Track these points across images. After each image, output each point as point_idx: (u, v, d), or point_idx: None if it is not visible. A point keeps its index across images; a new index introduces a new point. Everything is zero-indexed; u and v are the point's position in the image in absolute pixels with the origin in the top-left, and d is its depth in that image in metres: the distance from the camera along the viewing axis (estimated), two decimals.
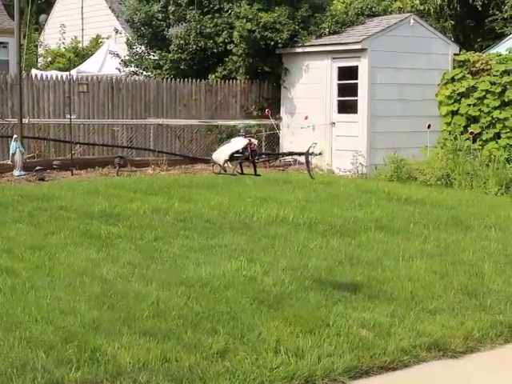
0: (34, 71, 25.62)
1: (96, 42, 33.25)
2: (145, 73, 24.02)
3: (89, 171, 18.92)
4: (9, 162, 18.08)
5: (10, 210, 12.35)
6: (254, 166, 7.80)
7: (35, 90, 19.94)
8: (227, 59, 22.22)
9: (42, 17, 37.69)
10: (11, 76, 19.94)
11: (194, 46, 22.15)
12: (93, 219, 11.56)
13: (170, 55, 22.71)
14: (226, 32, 21.85)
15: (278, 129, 22.15)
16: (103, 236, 10.40)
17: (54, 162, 18.77)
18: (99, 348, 5.94)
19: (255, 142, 7.74)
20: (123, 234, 10.53)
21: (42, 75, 21.10)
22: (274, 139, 22.32)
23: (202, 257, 9.30)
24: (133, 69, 24.24)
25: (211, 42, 22.03)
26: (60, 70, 28.28)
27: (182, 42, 22.25)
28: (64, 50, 33.99)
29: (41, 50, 36.70)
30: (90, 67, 27.01)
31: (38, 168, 17.61)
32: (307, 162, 7.65)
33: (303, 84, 21.66)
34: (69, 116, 19.30)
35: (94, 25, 33.72)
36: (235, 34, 21.28)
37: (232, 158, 7.59)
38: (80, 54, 32.62)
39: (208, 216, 12.02)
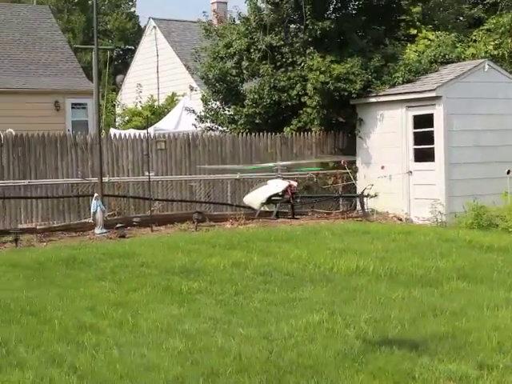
0: (112, 130, 26.23)
1: (172, 100, 33.87)
2: (220, 128, 24.33)
3: (168, 227, 19.13)
4: (90, 221, 18.41)
5: (93, 267, 12.56)
6: (293, 208, 7.76)
7: (114, 149, 20.36)
8: (301, 111, 22.37)
9: (119, 77, 38.66)
10: (91, 136, 20.43)
11: (268, 100, 22.38)
12: (173, 275, 11.66)
13: (244, 110, 22.98)
14: (299, 85, 22.05)
15: (355, 179, 22.08)
16: (184, 291, 10.47)
17: (134, 219, 19.05)
18: None
19: (295, 184, 7.70)
20: (204, 289, 10.58)
21: (120, 134, 21.55)
22: (350, 190, 22.25)
23: (283, 310, 9.26)
24: (208, 124, 24.58)
25: (285, 95, 22.24)
26: (137, 128, 28.86)
27: (256, 96, 22.51)
28: (141, 108, 34.72)
29: (118, 110, 37.58)
30: (166, 124, 27.51)
31: (118, 225, 17.90)
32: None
33: (378, 134, 21.64)
34: (147, 173, 19.62)
35: (170, 83, 34.42)
36: (309, 86, 21.44)
37: (270, 200, 7.52)
38: (156, 112, 33.26)
39: (287, 269, 12.00)
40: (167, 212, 20.27)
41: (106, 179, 19.46)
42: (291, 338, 7.93)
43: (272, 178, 7.20)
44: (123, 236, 17.52)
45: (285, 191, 6.93)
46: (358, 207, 21.38)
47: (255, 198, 6.91)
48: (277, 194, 6.95)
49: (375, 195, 6.74)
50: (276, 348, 7.55)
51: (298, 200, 6.88)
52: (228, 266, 12.22)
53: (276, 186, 6.98)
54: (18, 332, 8.38)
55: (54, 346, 7.79)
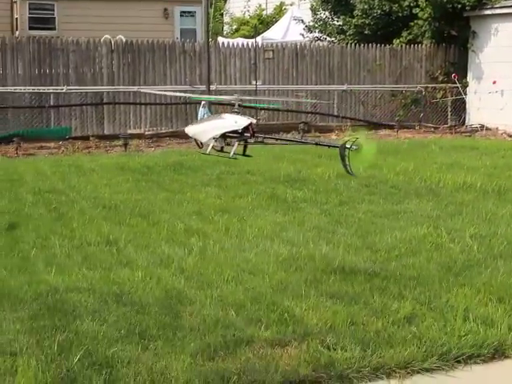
0: (220, 39, 26.20)
1: (280, 9, 33.50)
2: (328, 38, 24.01)
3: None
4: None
5: (200, 173, 12.76)
6: (245, 147, 7.07)
7: (222, 57, 20.40)
8: (412, 23, 21.85)
9: None
10: (199, 44, 20.47)
11: (379, 11, 21.92)
12: (279, 183, 11.75)
13: (354, 20, 22.59)
14: None
15: (465, 94, 21.57)
16: (289, 200, 10.55)
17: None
18: (287, 309, 6.04)
19: (255, 121, 7.07)
20: (308, 199, 10.63)
21: (228, 43, 21.54)
22: (459, 105, 21.78)
23: (388, 222, 9.24)
24: (316, 34, 24.28)
25: (396, 5, 21.73)
26: (245, 37, 28.75)
27: (366, 6, 22.07)
28: (248, 17, 34.49)
29: (226, 18, 37.40)
30: (274, 34, 27.30)
31: None
32: (343, 157, 6.52)
33: (492, 47, 20.95)
34: (254, 82, 19.61)
35: None
36: None
37: (223, 136, 6.88)
38: (264, 22, 33.00)
39: (393, 182, 11.93)
40: (273, 122, 20.29)
41: (213, 87, 19.56)
42: (395, 249, 7.92)
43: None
44: (229, 144, 17.64)
45: (245, 128, 6.24)
46: (467, 122, 20.97)
47: (204, 131, 6.09)
48: (235, 131, 6.27)
49: (357, 148, 5.77)
50: (379, 259, 7.57)
51: (260, 139, 6.27)
52: (333, 176, 12.22)
53: (235, 122, 6.12)
54: (128, 233, 8.63)
55: (162, 247, 8.00)
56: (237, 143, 6.77)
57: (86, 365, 4.98)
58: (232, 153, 6.79)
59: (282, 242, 8.22)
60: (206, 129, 6.78)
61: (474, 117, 21.52)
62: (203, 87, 19.28)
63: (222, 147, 6.90)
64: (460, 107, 21.85)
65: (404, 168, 13.06)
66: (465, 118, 21.83)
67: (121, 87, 19.52)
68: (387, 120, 21.53)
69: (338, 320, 5.82)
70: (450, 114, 21.80)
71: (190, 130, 6.91)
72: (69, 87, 19.02)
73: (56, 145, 17.90)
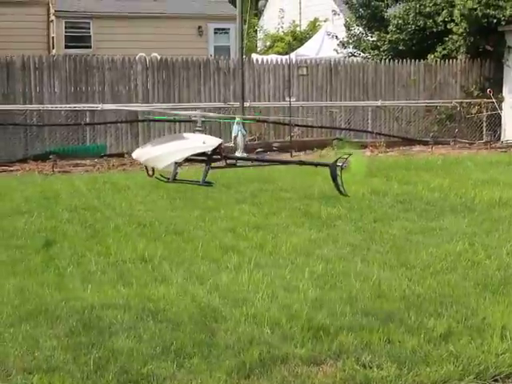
0: (254, 56, 26.29)
1: (313, 26, 33.56)
2: (362, 54, 24.01)
3: (307, 153, 19.21)
4: (231, 144, 18.67)
5: (233, 191, 12.76)
6: (206, 172, 5.61)
7: (256, 74, 20.50)
8: (447, 38, 21.79)
9: (262, 2, 38.55)
10: (233, 61, 20.58)
11: (413, 26, 21.89)
12: (312, 200, 11.73)
13: (388, 36, 22.58)
14: (445, 11, 21.43)
15: (500, 109, 21.42)
16: (323, 217, 10.53)
17: (274, 144, 19.21)
18: (322, 327, 6.02)
19: (222, 141, 5.56)
20: (343, 215, 10.60)
21: (262, 59, 21.62)
22: (495, 120, 21.65)
23: (423, 239, 9.19)
24: (350, 50, 24.29)
25: (430, 21, 21.69)
26: (279, 53, 28.83)
27: (400, 21, 22.06)
28: (282, 33, 34.58)
29: (260, 35, 37.53)
30: (308, 50, 27.35)
31: (258, 150, 18.07)
32: (334, 177, 5.77)
33: None
34: (288, 99, 19.65)
35: (312, 8, 34.03)
36: (456, 12, 20.80)
37: (188, 160, 5.55)
38: (298, 38, 33.08)
39: (428, 198, 11.86)
40: (307, 138, 20.32)
41: (247, 104, 19.63)
42: (430, 266, 7.87)
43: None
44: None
45: (214, 150, 4.96)
46: (503, 137, 20.82)
47: (161, 155, 4.75)
48: (202, 154, 4.91)
49: (346, 166, 5.16)
50: (415, 276, 7.52)
51: (234, 163, 5.08)
52: (367, 193, 12.18)
53: (203, 142, 4.86)
54: (163, 250, 8.66)
55: (197, 264, 8.02)
56: (207, 167, 5.71)
57: (122, 382, 5.00)
58: (203, 179, 5.72)
59: (317, 258, 8.21)
60: (165, 152, 5.11)
61: (509, 132, 21.36)
62: (237, 104, 19.35)
63: (176, 173, 5.79)
64: (495, 122, 21.71)
65: (439, 184, 12.98)
66: (500, 133, 21.68)
67: (155, 105, 19.65)
68: (422, 136, 21.45)
69: (373, 338, 5.79)
70: (485, 129, 21.68)
71: (141, 154, 5.17)
72: (104, 105, 19.19)
73: (91, 162, 18.06)
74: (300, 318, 6.19)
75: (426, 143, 20.76)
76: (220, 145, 5.06)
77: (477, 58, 21.95)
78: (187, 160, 4.97)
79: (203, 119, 5.08)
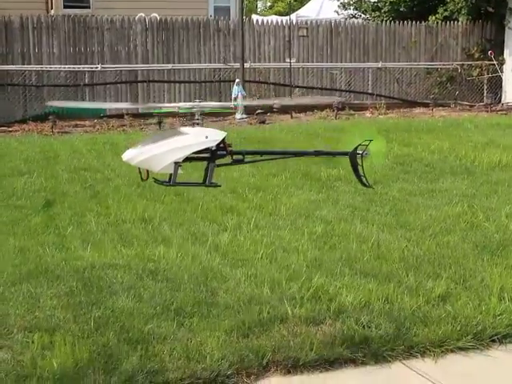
0: (254, 16, 26.13)
1: None
2: (363, 16, 23.86)
3: (307, 114, 19.17)
4: (231, 105, 18.60)
5: None
6: (212, 170, 4.77)
7: (256, 34, 20.38)
8: (448, 0, 21.60)
9: None
10: (233, 21, 20.44)
11: None
12: (312, 161, 11.70)
13: None
14: None
15: (501, 71, 21.33)
16: (323, 178, 10.53)
17: (274, 106, 19.12)
18: (321, 287, 6.05)
19: (226, 134, 4.75)
20: (343, 177, 10.58)
21: (262, 20, 21.47)
22: (496, 83, 21.56)
23: (422, 201, 9.20)
24: (351, 12, 24.13)
25: None
26: (279, 14, 28.68)
27: None
28: None
29: None
30: (308, 11, 27.22)
31: (258, 111, 18.04)
32: (354, 166, 5.06)
33: None
34: (288, 60, 19.56)
35: None
36: None
37: (190, 159, 4.68)
38: None
39: (428, 160, 11.86)
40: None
41: (247, 65, 19.54)
42: (429, 228, 7.89)
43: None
44: (263, 122, 17.67)
45: (218, 145, 4.10)
46: (503, 100, 20.75)
47: (158, 154, 3.88)
48: (206, 150, 4.05)
49: (366, 153, 4.76)
50: (414, 237, 7.55)
51: (241, 159, 4.36)
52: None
53: (205, 137, 3.98)
54: (163, 210, 8.68)
55: (197, 224, 8.04)
56: (213, 165, 4.82)
57: (122, 340, 5.04)
58: (209, 179, 4.88)
59: (316, 220, 8.22)
60: (162, 151, 4.60)
61: (510, 94, 21.29)
62: (237, 65, 19.26)
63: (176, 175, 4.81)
64: (496, 85, 21.63)
65: (439, 146, 12.97)
66: (501, 95, 21.61)
67: (155, 65, 19.56)
68: (422, 98, 21.38)
69: (372, 298, 5.82)
70: (485, 91, 21.60)
71: (133, 155, 4.63)
72: (103, 65, 19.11)
73: (91, 123, 18.02)
74: (299, 278, 6.22)
75: (426, 105, 20.69)
76: (224, 138, 4.33)
77: (478, 20, 21.81)
78: (187, 159, 4.21)
79: (202, 110, 4.33)
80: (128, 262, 6.68)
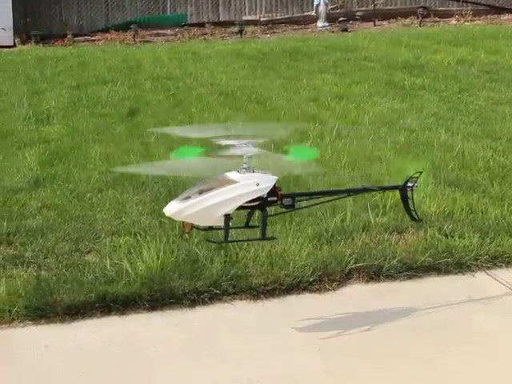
0: None
1: None
2: None
3: (391, 22, 18.77)
4: (313, 14, 18.35)
5: (316, 60, 12.63)
6: (265, 221, 4.19)
7: None
8: None
9: None
10: None
11: None
12: (396, 70, 11.53)
13: None
14: None
15: None
16: (407, 87, 10.37)
17: (357, 13, 18.80)
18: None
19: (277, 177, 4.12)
20: (427, 85, 10.41)
21: None
22: None
23: (509, 110, 8.97)
24: None
25: None
26: None
27: None
28: None
29: None
30: None
31: (341, 19, 17.75)
32: (405, 200, 4.70)
33: None
34: None
35: None
36: None
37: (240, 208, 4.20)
38: None
39: None
40: (391, 6, 19.78)
41: None
42: None
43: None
44: (345, 30, 17.39)
45: (270, 192, 3.80)
46: None
47: (206, 207, 3.78)
48: (259, 198, 3.76)
49: (417, 186, 4.55)
50: (500, 147, 7.39)
51: (292, 203, 4.00)
52: (453, 62, 11.90)
53: (256, 185, 3.57)
54: (245, 119, 8.66)
55: None
56: (265, 215, 4.26)
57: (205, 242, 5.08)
58: (263, 232, 4.30)
59: (400, 128, 8.12)
60: (212, 204, 4.09)
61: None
62: None
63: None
64: None
65: None
66: None
67: None
68: (511, 4, 20.66)
69: (456, 208, 5.75)
70: None
71: (179, 210, 4.12)
72: None
73: (172, 32, 18.01)
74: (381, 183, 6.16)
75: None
76: (275, 183, 4.13)
77: None
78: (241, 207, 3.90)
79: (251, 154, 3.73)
80: None
